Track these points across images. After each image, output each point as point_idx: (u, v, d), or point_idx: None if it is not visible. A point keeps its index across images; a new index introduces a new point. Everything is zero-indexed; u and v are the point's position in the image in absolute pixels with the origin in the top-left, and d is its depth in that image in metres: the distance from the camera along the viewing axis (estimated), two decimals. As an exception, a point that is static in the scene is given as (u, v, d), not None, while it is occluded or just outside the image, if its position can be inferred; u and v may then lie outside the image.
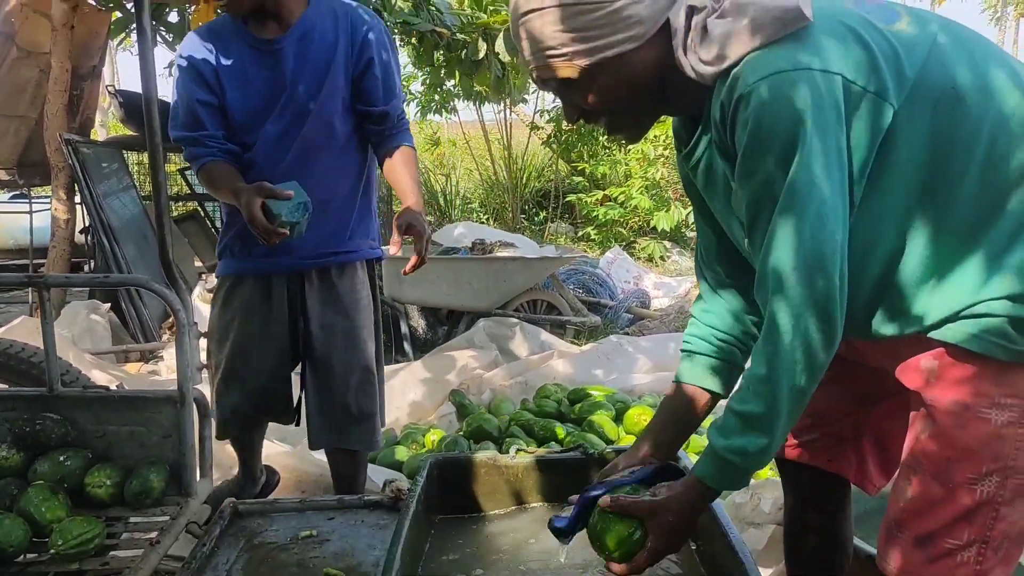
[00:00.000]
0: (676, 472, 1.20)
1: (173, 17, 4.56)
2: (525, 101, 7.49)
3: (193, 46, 1.84)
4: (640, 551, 1.10)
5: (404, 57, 6.30)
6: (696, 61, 1.00)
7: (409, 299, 4.37)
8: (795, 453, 1.32)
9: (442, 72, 4.85)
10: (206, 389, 1.95)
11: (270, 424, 2.10)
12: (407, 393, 3.12)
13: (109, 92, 4.86)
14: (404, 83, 8.85)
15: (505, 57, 4.18)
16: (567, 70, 1.04)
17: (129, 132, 4.93)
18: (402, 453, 2.51)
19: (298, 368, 1.99)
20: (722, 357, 1.22)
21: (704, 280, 1.28)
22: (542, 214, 9.38)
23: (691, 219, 7.17)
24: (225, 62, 1.84)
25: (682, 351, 1.28)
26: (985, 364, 0.98)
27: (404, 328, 4.35)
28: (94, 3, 3.95)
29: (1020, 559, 1.06)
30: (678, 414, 1.25)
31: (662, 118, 1.19)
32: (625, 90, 1.05)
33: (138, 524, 1.58)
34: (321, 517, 1.60)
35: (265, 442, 2.27)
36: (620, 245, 7.37)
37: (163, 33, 4.66)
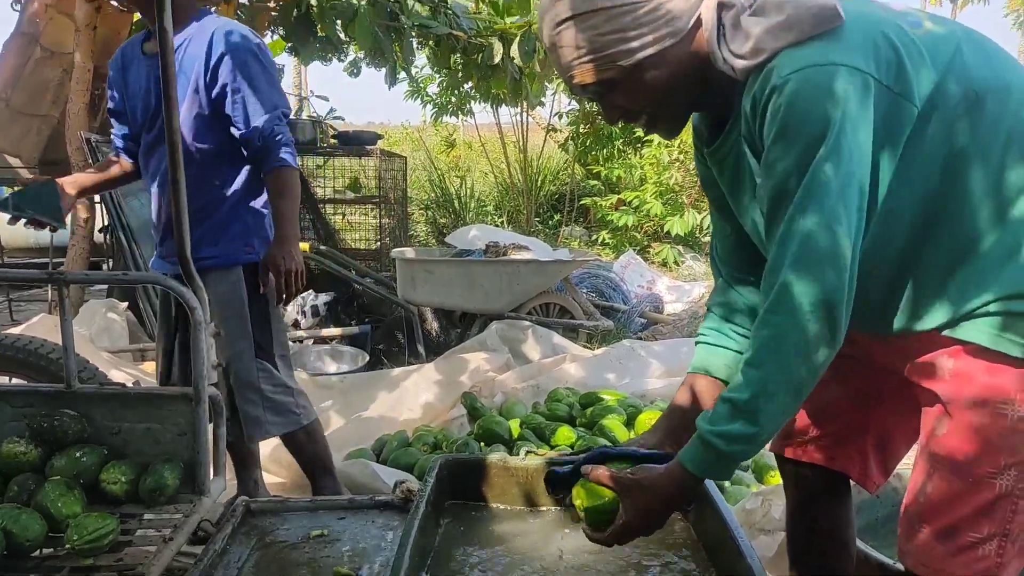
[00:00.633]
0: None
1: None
2: (542, 104, 7.48)
3: (115, 57, 2.10)
4: (610, 525, 1.12)
5: (422, 59, 6.34)
6: (728, 54, 1.02)
7: (422, 301, 4.38)
8: (796, 451, 1.33)
9: (459, 75, 4.87)
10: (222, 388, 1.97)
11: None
12: (420, 395, 3.13)
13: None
14: (421, 85, 8.88)
15: (520, 62, 4.19)
16: (609, 72, 1.05)
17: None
18: (413, 455, 2.52)
19: None
20: (735, 349, 1.25)
21: (719, 274, 1.31)
22: (556, 217, 9.38)
23: (705, 223, 7.14)
24: (126, 72, 2.06)
25: (696, 342, 1.30)
26: (1000, 361, 0.99)
27: (418, 330, 4.36)
28: (116, 4, 3.99)
29: None
30: (691, 404, 1.26)
31: None
32: (665, 86, 1.07)
33: (152, 521, 1.60)
34: (332, 517, 1.61)
35: (277, 443, 2.29)
36: (634, 249, 7.35)
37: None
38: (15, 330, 3.30)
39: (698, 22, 1.04)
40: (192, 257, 1.89)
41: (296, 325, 4.62)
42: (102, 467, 1.65)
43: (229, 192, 2.04)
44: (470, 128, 10.67)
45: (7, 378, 2.22)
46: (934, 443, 1.06)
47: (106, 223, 4.03)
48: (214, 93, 1.95)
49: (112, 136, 2.18)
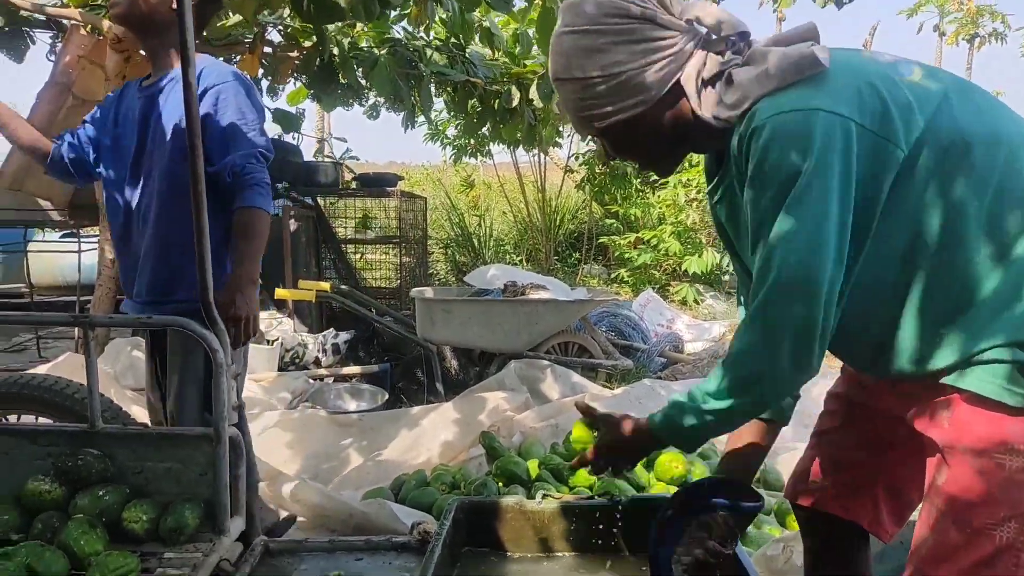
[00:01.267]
0: (739, 490, 1.26)
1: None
2: (559, 145, 7.59)
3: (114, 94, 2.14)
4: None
5: (440, 104, 6.47)
6: (720, 110, 1.08)
7: (441, 340, 4.41)
8: (810, 500, 1.34)
9: (475, 120, 4.97)
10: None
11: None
12: (438, 434, 3.13)
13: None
14: (440, 128, 9.04)
15: (539, 104, 4.27)
16: (590, 128, 1.16)
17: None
18: (431, 495, 2.51)
19: None
20: None
21: (744, 308, 1.34)
22: (575, 255, 9.42)
23: (724, 262, 7.14)
24: (120, 103, 2.07)
25: None
26: (998, 410, 0.99)
27: (436, 368, 4.38)
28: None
29: None
30: (742, 450, 1.33)
31: (695, 159, 1.27)
32: (642, 142, 1.16)
33: (172, 560, 1.61)
34: (350, 558, 1.61)
35: (296, 481, 2.30)
36: (653, 288, 7.35)
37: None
38: (41, 368, 3.36)
39: (677, 89, 1.10)
40: (166, 299, 1.96)
41: (317, 363, 4.66)
42: (124, 506, 1.67)
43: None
44: (489, 168, 10.81)
45: (34, 416, 2.26)
46: (934, 492, 1.05)
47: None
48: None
49: (65, 134, 2.12)
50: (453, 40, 4.60)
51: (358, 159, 7.21)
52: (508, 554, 1.42)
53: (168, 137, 1.92)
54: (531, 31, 4.31)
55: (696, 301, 7.38)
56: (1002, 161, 1.01)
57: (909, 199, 1.01)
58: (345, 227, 6.58)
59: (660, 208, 8.07)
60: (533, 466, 2.64)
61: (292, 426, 3.17)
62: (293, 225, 5.47)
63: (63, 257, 6.89)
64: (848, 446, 1.27)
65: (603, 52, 1.07)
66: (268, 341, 4.52)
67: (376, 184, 6.14)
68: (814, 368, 1.04)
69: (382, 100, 4.80)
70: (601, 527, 1.44)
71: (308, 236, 5.85)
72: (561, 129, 6.09)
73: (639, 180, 8.59)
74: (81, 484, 1.69)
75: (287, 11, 3.69)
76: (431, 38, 4.57)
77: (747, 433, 1.32)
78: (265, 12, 3.58)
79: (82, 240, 5.52)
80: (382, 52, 4.08)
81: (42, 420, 2.24)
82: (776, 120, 1.00)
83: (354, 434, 3.26)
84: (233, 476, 1.74)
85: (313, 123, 10.82)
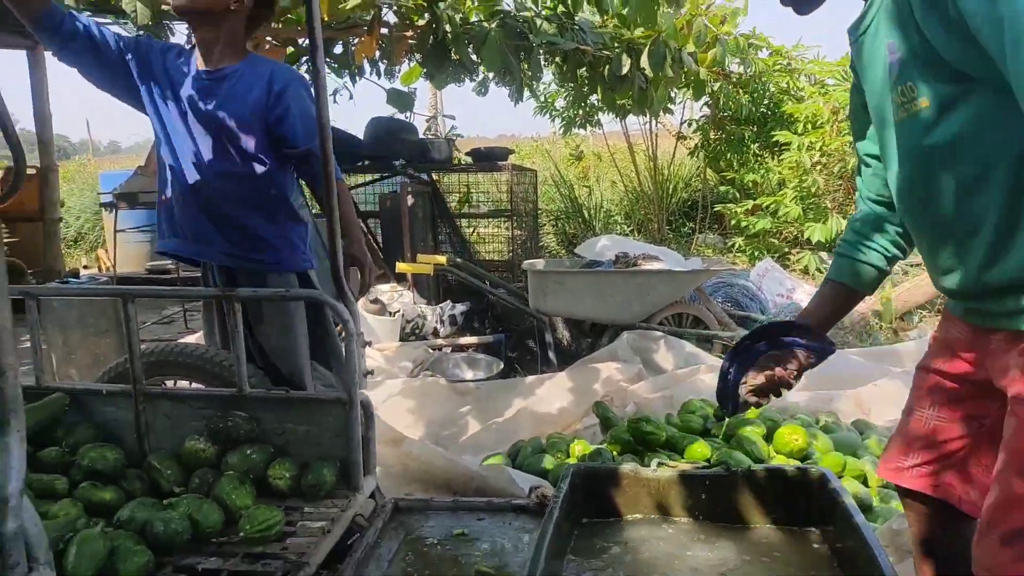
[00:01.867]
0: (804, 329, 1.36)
1: (338, 49, 4.95)
2: (671, 111, 7.40)
3: (163, 47, 2.26)
4: None
5: (548, 75, 6.46)
6: None
7: (553, 311, 4.46)
8: (899, 478, 1.32)
9: (584, 88, 4.92)
10: (372, 393, 2.13)
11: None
12: (553, 402, 3.19)
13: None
14: (548, 100, 9.03)
15: (650, 72, 4.19)
16: None
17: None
18: (548, 461, 2.57)
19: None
20: (866, 262, 1.38)
21: (859, 192, 1.45)
22: (689, 225, 9.20)
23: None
24: (155, 59, 2.19)
25: (835, 253, 1.45)
26: None
27: (549, 339, 4.44)
28: (273, 41, 4.37)
29: None
30: (825, 305, 1.41)
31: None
32: None
33: (312, 514, 1.75)
34: (472, 517, 1.70)
35: (420, 444, 2.42)
36: (772, 256, 7.08)
37: (329, 63, 5.07)
38: (190, 338, 3.67)
39: None
40: (252, 256, 2.21)
41: (436, 333, 4.83)
42: (269, 464, 1.83)
43: (285, 204, 2.29)
44: (599, 138, 10.69)
45: (187, 382, 2.50)
46: (1004, 446, 1.03)
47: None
48: (273, 116, 2.17)
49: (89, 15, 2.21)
50: (562, 8, 4.57)
51: (462, 136, 7.37)
52: (623, 519, 1.46)
53: (231, 120, 2.15)
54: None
55: (819, 270, 7.04)
56: None
57: None
58: (456, 201, 6.74)
59: (780, 173, 7.73)
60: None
61: (414, 393, 3.33)
62: (410, 201, 5.65)
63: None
64: (945, 423, 1.24)
65: None
66: (390, 313, 4.72)
67: (487, 159, 6.23)
68: None
69: (491, 75, 4.84)
70: (716, 496, 1.45)
71: (425, 211, 6.02)
72: (673, 94, 5.94)
73: (757, 145, 8.25)
74: (231, 444, 1.86)
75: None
76: (540, 8, 4.56)
77: (829, 296, 1.40)
78: (381, -6, 3.70)
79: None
80: (492, 25, 4.11)
81: (194, 385, 2.47)
82: None
83: (471, 402, 3.38)
84: (365, 437, 1.87)
85: (426, 100, 11.06)
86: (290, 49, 4.69)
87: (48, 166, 6.63)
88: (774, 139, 7.61)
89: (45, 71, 6.30)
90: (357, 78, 5.22)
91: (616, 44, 4.41)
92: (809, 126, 7.20)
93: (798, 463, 2.33)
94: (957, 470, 1.26)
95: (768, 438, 2.56)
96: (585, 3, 4.36)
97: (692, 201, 9.43)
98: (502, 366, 4.21)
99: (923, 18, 1.00)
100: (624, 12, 4.46)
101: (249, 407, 1.89)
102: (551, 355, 4.34)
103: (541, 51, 4.42)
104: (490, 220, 7.27)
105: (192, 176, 2.21)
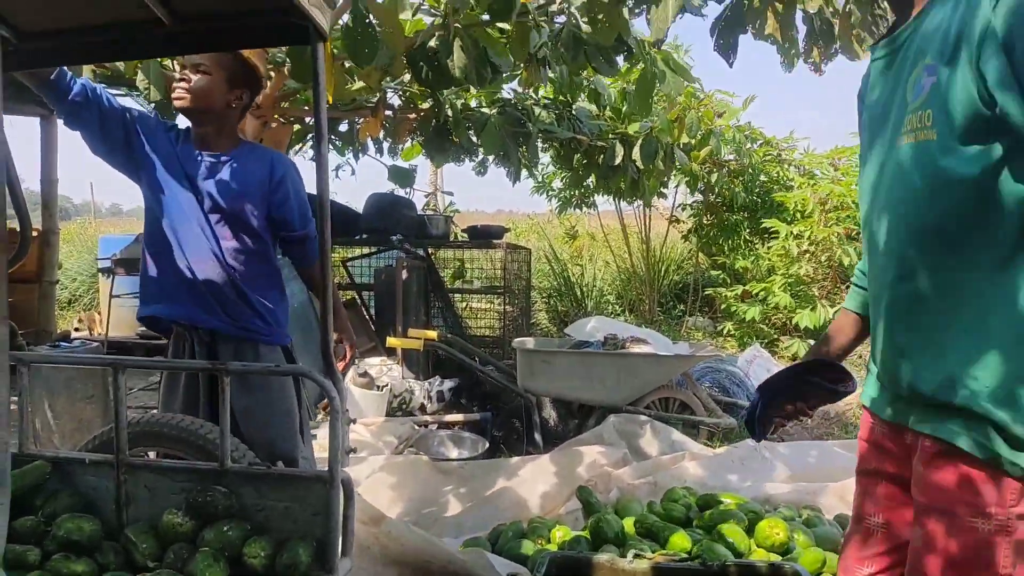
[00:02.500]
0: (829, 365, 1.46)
1: (343, 127, 5.13)
2: (664, 196, 7.59)
3: (168, 125, 2.38)
4: None
5: (546, 158, 6.66)
6: None
7: (541, 391, 4.47)
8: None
9: (580, 173, 5.09)
10: (354, 469, 2.13)
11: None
12: (536, 485, 3.18)
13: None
14: (545, 180, 9.28)
15: (641, 164, 4.34)
16: None
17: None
18: (527, 547, 2.55)
19: None
20: None
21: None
22: (680, 307, 9.29)
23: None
24: (151, 139, 2.30)
25: (852, 281, 1.52)
26: (975, 466, 0.97)
27: (536, 419, 4.44)
28: (281, 119, 4.53)
29: None
30: (843, 333, 1.48)
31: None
32: None
33: (285, 595, 1.73)
34: (446, 605, 1.68)
35: (400, 524, 2.41)
36: (761, 343, 7.14)
37: (334, 141, 5.23)
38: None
39: None
40: (244, 327, 2.33)
41: (423, 409, 4.82)
42: (245, 541, 1.81)
43: (278, 279, 2.46)
44: (593, 218, 10.90)
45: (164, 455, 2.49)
46: (908, 555, 1.05)
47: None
48: (275, 199, 2.33)
49: (100, 85, 2.26)
50: (560, 98, 4.77)
51: (460, 211, 7.55)
52: (598, 613, 1.46)
53: (235, 198, 2.30)
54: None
55: (807, 357, 7.10)
56: None
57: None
58: (449, 276, 6.83)
59: (770, 260, 7.88)
60: (628, 524, 2.63)
61: (397, 471, 3.31)
62: (405, 275, 5.73)
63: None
64: (883, 530, 1.26)
65: None
66: (378, 387, 4.73)
67: (484, 236, 6.36)
68: None
69: (490, 157, 5.01)
70: (692, 592, 1.45)
71: (419, 286, 6.10)
72: (664, 181, 6.12)
73: (748, 231, 8.43)
74: (209, 518, 1.85)
75: (407, 77, 3.96)
76: (539, 96, 4.76)
77: (847, 325, 1.47)
78: (387, 79, 3.87)
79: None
80: (492, 112, 4.29)
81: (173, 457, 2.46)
82: None
83: (455, 481, 3.36)
84: (345, 516, 1.86)
85: (426, 176, 11.34)
86: (297, 127, 4.86)
87: (50, 229, 6.71)
88: (763, 225, 7.79)
89: (56, 139, 6.45)
90: (360, 155, 5.39)
91: (610, 135, 4.59)
92: (798, 215, 7.38)
93: (778, 558, 2.32)
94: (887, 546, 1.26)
95: (750, 531, 2.55)
96: (583, 94, 4.56)
97: (683, 283, 9.56)
98: (487, 445, 4.19)
99: (987, 58, 0.97)
100: (622, 107, 4.66)
101: (230, 481, 1.88)
102: (536, 436, 4.33)
103: (539, 138, 4.58)
104: (483, 295, 7.34)
105: (194, 248, 2.29)
